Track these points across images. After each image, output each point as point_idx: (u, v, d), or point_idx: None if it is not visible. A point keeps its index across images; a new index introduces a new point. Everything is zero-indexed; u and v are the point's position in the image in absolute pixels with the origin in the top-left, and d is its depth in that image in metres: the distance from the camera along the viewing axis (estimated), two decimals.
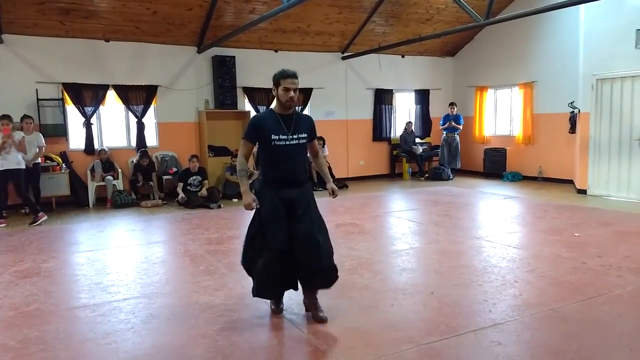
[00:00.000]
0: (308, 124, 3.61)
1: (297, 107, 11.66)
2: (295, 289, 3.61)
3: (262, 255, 3.43)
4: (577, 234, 5.91)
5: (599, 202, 8.19)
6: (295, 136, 3.47)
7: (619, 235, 5.91)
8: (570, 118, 9.65)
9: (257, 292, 3.55)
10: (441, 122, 11.86)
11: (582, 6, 8.59)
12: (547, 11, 7.77)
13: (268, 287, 3.50)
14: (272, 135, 3.41)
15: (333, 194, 3.76)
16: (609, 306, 3.71)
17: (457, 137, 11.70)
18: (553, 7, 7.33)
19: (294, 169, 3.52)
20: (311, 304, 3.59)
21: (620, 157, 8.34)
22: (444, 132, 11.74)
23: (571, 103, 9.41)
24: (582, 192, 8.91)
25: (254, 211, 3.53)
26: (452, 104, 11.81)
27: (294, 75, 3.44)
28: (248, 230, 3.63)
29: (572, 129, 9.65)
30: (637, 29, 7.81)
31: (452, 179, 11.43)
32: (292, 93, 3.41)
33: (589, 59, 8.73)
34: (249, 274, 3.66)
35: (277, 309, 3.69)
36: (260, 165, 3.64)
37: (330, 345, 3.16)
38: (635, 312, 3.60)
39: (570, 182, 9.86)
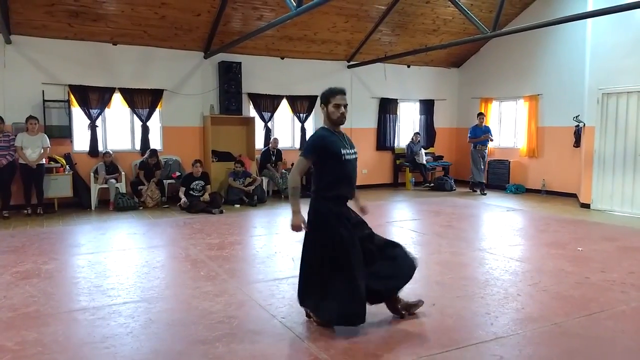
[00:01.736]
0: (351, 140, 3.64)
1: (302, 115, 11.69)
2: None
3: (344, 278, 3.32)
4: (580, 249, 5.88)
5: (603, 216, 8.15)
6: (352, 151, 3.54)
7: (623, 250, 5.87)
8: (575, 132, 9.64)
9: (347, 317, 3.38)
10: (470, 133, 11.00)
11: (589, 20, 8.61)
12: (554, 24, 7.79)
13: (358, 307, 3.36)
14: (342, 150, 3.42)
15: (364, 211, 3.79)
16: (613, 322, 3.67)
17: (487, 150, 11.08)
18: (560, 21, 7.34)
19: (355, 184, 3.58)
20: (399, 304, 3.65)
21: (624, 172, 8.31)
22: (475, 145, 10.91)
23: (576, 117, 9.40)
24: (586, 206, 8.87)
25: (306, 235, 3.52)
26: (481, 115, 11.05)
27: (342, 92, 3.47)
28: (308, 259, 3.50)
29: (577, 143, 9.63)
30: None
31: (455, 189, 11.40)
32: (342, 109, 3.45)
33: (595, 73, 8.72)
34: (316, 309, 3.48)
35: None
36: (321, 183, 3.46)
37: (330, 354, 3.13)
38: (639, 329, 3.56)
39: (574, 196, 9.82)
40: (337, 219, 3.40)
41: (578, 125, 9.47)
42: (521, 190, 10.99)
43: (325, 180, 3.46)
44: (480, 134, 10.90)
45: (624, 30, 8.14)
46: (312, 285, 3.46)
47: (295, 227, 3.45)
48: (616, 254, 5.71)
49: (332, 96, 3.44)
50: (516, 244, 6.31)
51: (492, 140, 11.09)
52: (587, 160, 8.88)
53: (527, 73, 10.99)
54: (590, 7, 8.26)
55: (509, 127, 11.78)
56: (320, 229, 3.43)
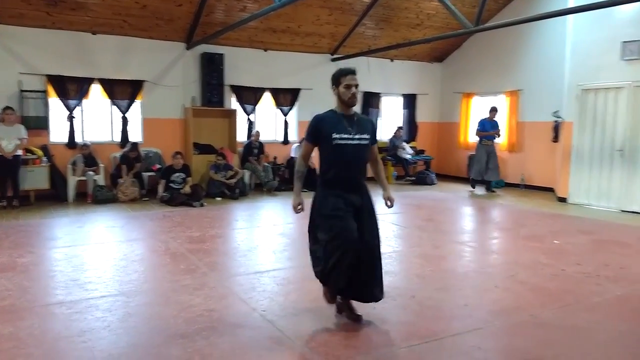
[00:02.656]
0: (370, 126, 3.55)
1: (285, 108, 11.62)
2: (357, 298, 3.51)
3: (332, 252, 3.27)
4: (556, 241, 5.98)
5: (579, 210, 8.30)
6: (357, 136, 3.40)
7: (598, 243, 5.99)
8: (553, 127, 9.77)
9: (328, 277, 3.37)
10: (479, 126, 10.24)
11: (570, 17, 8.72)
12: (536, 20, 7.86)
13: (338, 274, 3.31)
14: (334, 134, 3.33)
15: (389, 202, 3.68)
16: (587, 313, 3.75)
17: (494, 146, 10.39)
18: (541, 17, 7.41)
19: (356, 171, 3.42)
20: (346, 305, 3.58)
21: (601, 167, 8.46)
22: (481, 139, 10.20)
23: (555, 112, 9.53)
24: (563, 200, 9.02)
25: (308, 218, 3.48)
26: (494, 109, 10.18)
27: (353, 72, 3.40)
28: (313, 238, 3.52)
29: (556, 138, 9.77)
30: (623, 41, 7.94)
31: (436, 183, 11.49)
32: (353, 89, 3.37)
33: (574, 69, 8.85)
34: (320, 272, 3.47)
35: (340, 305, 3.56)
36: (320, 166, 3.47)
37: (311, 347, 3.14)
38: (612, 320, 3.64)
39: (552, 190, 9.97)
40: (333, 201, 3.32)
41: (557, 121, 9.61)
42: (501, 184, 11.11)
43: (321, 163, 3.47)
44: (489, 128, 10.20)
45: (603, 27, 8.26)
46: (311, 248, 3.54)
47: (292, 207, 3.48)
48: (591, 246, 5.82)
49: (342, 77, 3.37)
50: (494, 237, 6.40)
51: (499, 136, 10.35)
52: (565, 155, 9.03)
53: (509, 68, 11.10)
54: (570, 4, 8.37)
55: None
56: (316, 203, 3.43)
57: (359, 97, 11.80)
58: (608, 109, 8.33)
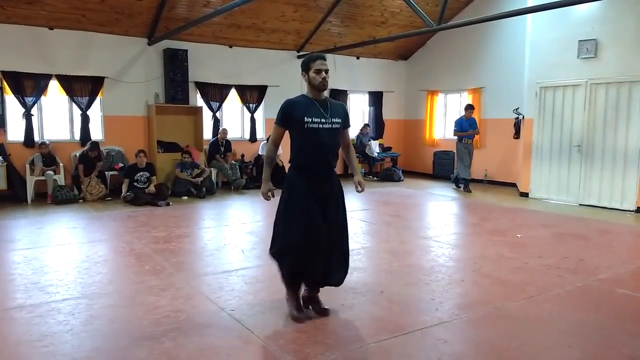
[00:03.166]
0: (342, 110, 3.53)
1: (251, 105, 11.52)
2: (317, 282, 3.50)
3: (290, 235, 3.30)
4: (519, 235, 6.15)
5: (540, 204, 8.56)
6: (329, 120, 3.39)
7: (558, 236, 6.19)
8: (515, 124, 10.03)
9: (282, 260, 3.41)
10: (456, 126, 10.04)
11: (529, 16, 8.96)
12: (496, 19, 8.05)
13: (296, 257, 3.33)
14: (305, 118, 3.32)
15: (360, 187, 3.71)
16: (549, 305, 3.87)
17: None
18: (502, 16, 7.59)
19: (328, 156, 3.42)
20: (314, 298, 3.58)
21: (560, 162, 8.75)
22: (462, 139, 9.95)
23: (516, 109, 9.79)
24: (525, 195, 9.29)
25: (281, 202, 3.44)
26: (470, 107, 10.04)
27: (322, 57, 3.40)
28: (276, 220, 3.53)
29: (517, 134, 10.03)
30: (580, 40, 8.22)
31: (403, 180, 11.63)
32: (323, 74, 3.36)
33: (534, 67, 9.11)
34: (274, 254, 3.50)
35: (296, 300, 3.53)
36: (291, 151, 3.44)
37: (280, 345, 3.12)
38: (573, 310, 3.77)
39: (514, 185, 10.25)
40: (301, 192, 3.33)
41: (518, 118, 9.87)
42: None
43: (292, 147, 3.45)
44: (467, 127, 9.97)
45: (560, 26, 8.53)
46: (274, 236, 3.52)
47: (262, 194, 3.50)
48: (552, 239, 6.01)
49: (312, 62, 3.37)
50: (459, 231, 6.53)
51: (478, 134, 10.30)
52: (526, 151, 9.29)
53: (471, 66, 11.33)
54: (529, 3, 8.60)
55: (453, 118, 12.04)
56: (285, 188, 3.43)
57: (327, 93, 11.81)
58: (566, 106, 8.61)
